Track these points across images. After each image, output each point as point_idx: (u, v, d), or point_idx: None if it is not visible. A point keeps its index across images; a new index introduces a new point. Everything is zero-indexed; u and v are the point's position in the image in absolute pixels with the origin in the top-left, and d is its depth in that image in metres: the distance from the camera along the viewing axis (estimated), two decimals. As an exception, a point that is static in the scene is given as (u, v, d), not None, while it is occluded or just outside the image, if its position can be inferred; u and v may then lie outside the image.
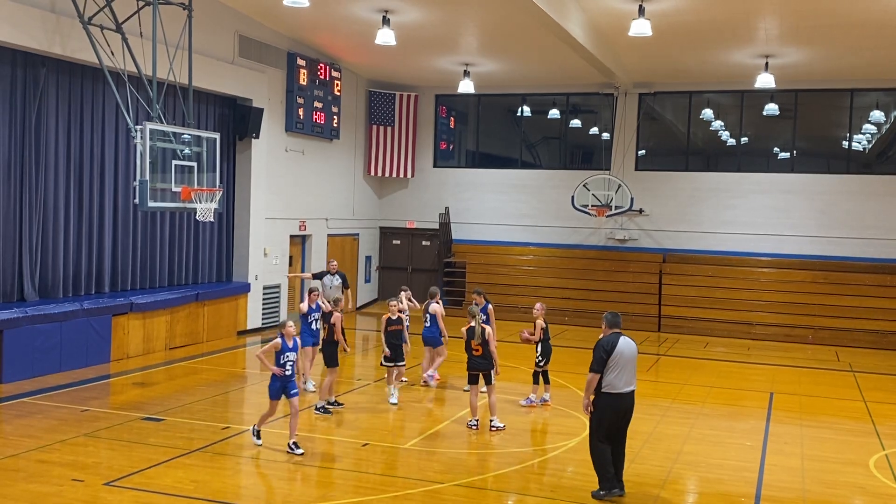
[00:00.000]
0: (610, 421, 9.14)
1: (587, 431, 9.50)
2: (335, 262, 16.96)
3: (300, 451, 10.36)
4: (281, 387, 10.42)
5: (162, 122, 14.18)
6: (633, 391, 9.23)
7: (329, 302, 13.11)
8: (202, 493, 8.90)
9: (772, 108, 23.13)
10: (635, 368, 9.26)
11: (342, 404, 12.90)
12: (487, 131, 27.00)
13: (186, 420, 11.79)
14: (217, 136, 15.30)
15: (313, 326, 13.60)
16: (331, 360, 12.43)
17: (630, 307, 23.31)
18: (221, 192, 15.02)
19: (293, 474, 9.79)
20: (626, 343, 9.16)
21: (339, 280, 16.61)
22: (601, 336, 9.36)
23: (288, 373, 10.36)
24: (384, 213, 26.75)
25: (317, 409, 12.47)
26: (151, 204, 13.73)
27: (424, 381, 14.63)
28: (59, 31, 14.44)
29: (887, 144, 23.46)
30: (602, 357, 9.05)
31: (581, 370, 16.88)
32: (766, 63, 20.14)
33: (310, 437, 11.19)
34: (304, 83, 21.39)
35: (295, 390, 10.58)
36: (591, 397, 9.19)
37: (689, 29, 17.84)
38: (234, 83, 18.98)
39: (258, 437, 10.69)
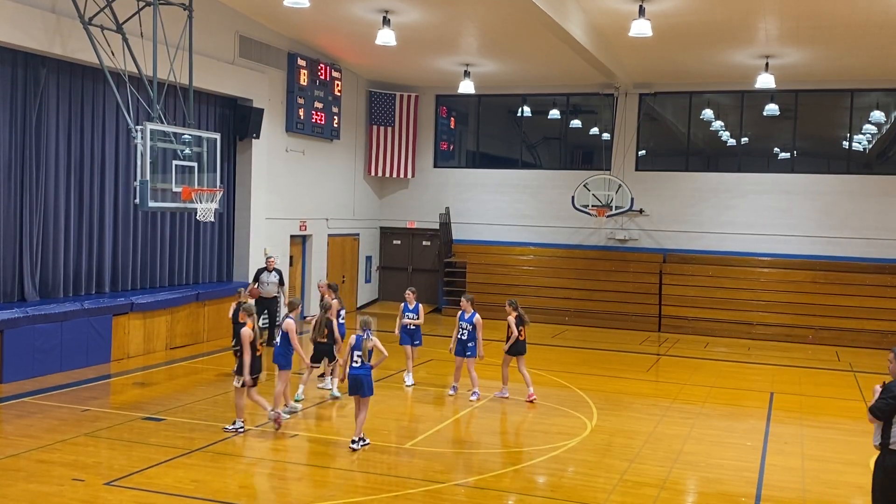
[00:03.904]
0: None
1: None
2: (273, 258, 17.84)
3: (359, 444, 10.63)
4: None
5: (162, 123, 14.19)
6: None
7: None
8: (203, 493, 8.91)
9: (772, 109, 23.13)
10: None
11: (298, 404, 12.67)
12: (488, 132, 27.00)
13: (187, 420, 11.79)
14: (217, 136, 15.30)
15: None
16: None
17: (630, 307, 23.38)
18: (222, 193, 15.03)
19: (293, 474, 9.80)
20: None
21: (276, 277, 17.47)
22: (892, 366, 7.47)
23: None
24: (384, 214, 26.75)
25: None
26: (152, 204, 13.74)
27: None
28: (59, 32, 14.45)
29: (887, 144, 23.47)
30: (892, 404, 7.14)
31: (583, 370, 17.02)
32: (767, 63, 20.14)
33: (310, 437, 11.20)
34: (305, 83, 21.40)
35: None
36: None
37: (689, 29, 17.84)
38: (235, 83, 18.99)
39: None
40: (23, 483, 8.99)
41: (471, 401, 13.52)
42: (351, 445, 10.53)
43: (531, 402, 13.49)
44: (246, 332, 10.94)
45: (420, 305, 14.55)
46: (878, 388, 7.41)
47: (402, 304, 14.67)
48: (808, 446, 11.66)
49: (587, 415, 12.91)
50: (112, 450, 10.40)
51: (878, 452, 7.32)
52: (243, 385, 11.03)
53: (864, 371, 17.85)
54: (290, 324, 11.83)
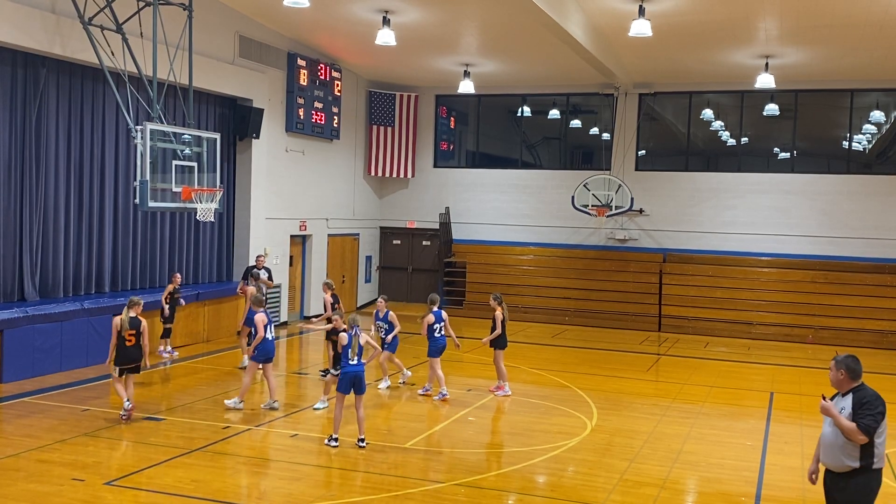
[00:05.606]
0: None
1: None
2: (263, 257, 17.98)
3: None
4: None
5: (162, 123, 14.20)
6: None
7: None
8: (202, 493, 8.91)
9: (772, 109, 23.14)
10: None
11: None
12: (488, 131, 27.01)
13: (187, 419, 11.80)
14: (217, 136, 15.31)
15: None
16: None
17: (630, 307, 23.39)
18: (222, 192, 15.04)
19: (293, 474, 9.79)
20: None
21: (265, 274, 17.46)
22: (833, 374, 7.09)
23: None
24: (384, 213, 26.76)
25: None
26: (152, 204, 13.75)
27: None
28: (59, 32, 14.45)
29: (887, 144, 23.47)
30: (879, 420, 6.65)
31: (582, 370, 17.03)
32: (766, 63, 20.14)
33: (310, 437, 11.20)
34: (305, 83, 21.40)
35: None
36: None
37: (689, 29, 17.85)
38: (235, 83, 19.00)
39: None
40: (23, 483, 8.99)
41: (419, 394, 13.90)
42: (359, 444, 10.63)
43: (494, 393, 14.03)
44: (114, 321, 11.62)
45: (390, 313, 14.14)
46: (827, 402, 6.91)
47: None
48: (808, 446, 11.64)
49: (587, 414, 12.92)
50: (112, 449, 10.41)
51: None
52: (121, 374, 11.71)
53: (863, 371, 17.81)
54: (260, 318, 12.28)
